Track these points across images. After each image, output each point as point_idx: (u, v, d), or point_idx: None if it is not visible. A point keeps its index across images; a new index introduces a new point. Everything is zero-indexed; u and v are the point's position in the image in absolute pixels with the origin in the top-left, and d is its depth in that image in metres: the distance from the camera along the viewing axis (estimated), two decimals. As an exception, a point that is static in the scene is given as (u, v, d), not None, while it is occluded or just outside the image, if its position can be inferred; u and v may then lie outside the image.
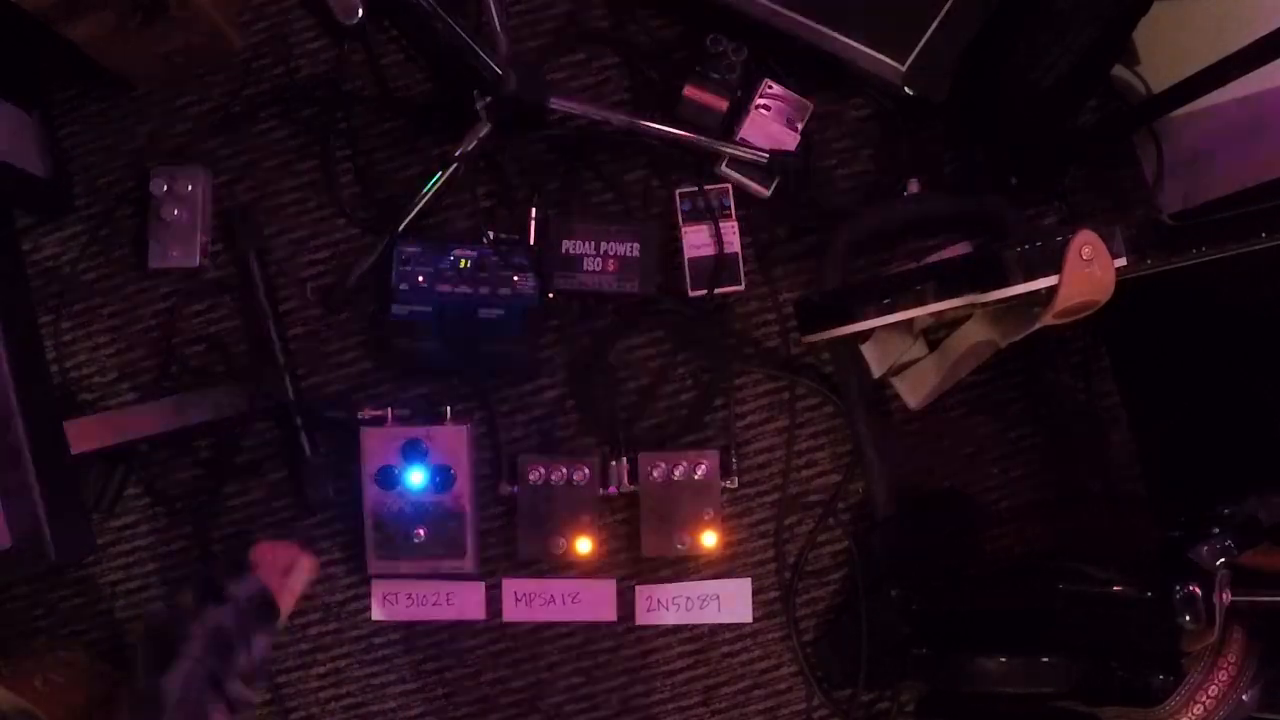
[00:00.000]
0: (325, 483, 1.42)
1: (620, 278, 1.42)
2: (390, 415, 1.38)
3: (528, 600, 1.44)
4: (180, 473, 1.45)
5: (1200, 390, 1.32)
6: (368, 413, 1.38)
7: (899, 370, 1.38)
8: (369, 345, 1.46)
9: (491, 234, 1.43)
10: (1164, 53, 1.38)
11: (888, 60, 1.38)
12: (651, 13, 1.49)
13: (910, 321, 1.19)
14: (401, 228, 1.43)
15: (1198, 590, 0.99)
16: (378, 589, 1.43)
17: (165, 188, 1.43)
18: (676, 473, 1.40)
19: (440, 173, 1.43)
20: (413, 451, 1.35)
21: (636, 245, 1.42)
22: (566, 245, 1.42)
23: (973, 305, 1.13)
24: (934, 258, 1.42)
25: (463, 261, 1.41)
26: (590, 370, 1.46)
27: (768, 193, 1.45)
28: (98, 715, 1.27)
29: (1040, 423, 1.47)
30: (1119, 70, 1.41)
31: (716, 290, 1.43)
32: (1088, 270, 1.06)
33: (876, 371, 1.38)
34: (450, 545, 1.37)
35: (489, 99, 1.38)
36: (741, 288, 1.45)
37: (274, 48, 1.48)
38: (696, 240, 1.44)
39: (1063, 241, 1.06)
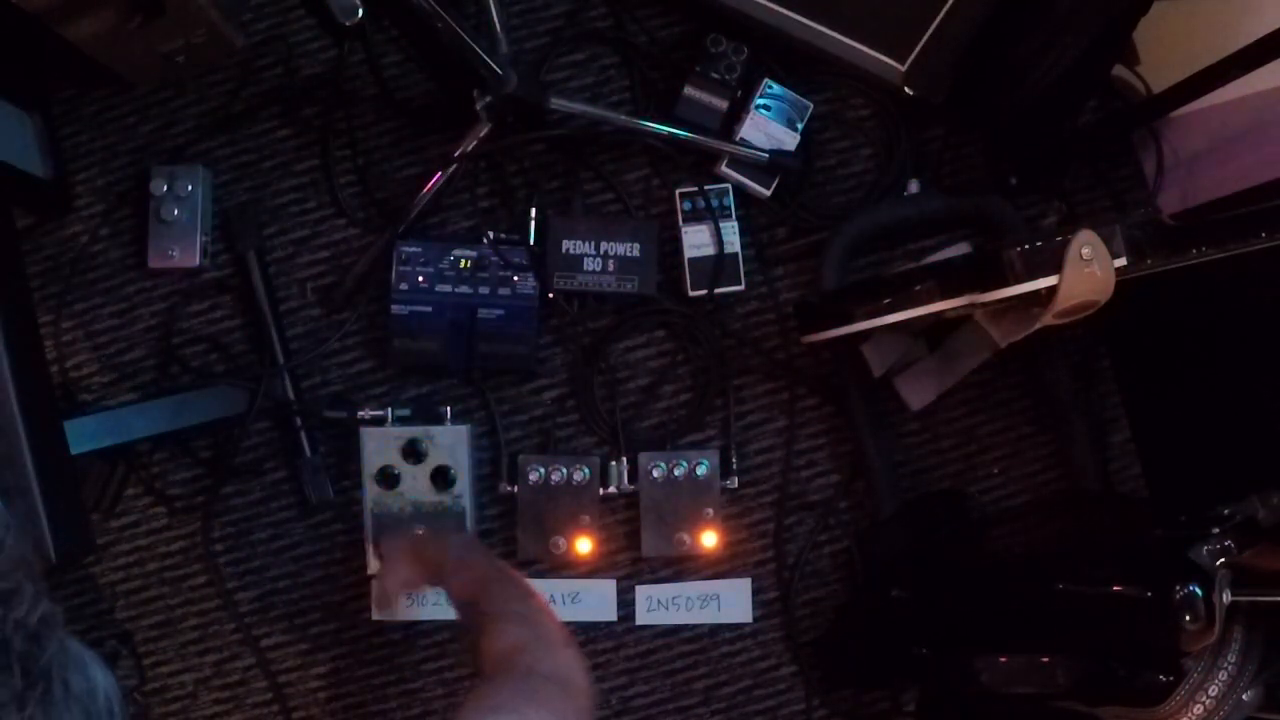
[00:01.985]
0: (325, 483, 1.43)
1: (620, 278, 1.42)
2: (390, 415, 1.38)
3: (528, 600, 1.44)
4: (180, 473, 1.45)
5: (1200, 390, 1.32)
6: (368, 413, 1.39)
7: (899, 370, 1.39)
8: (369, 345, 1.46)
9: (491, 234, 1.42)
10: (1164, 53, 1.38)
11: (888, 60, 1.38)
12: (651, 13, 1.49)
13: (910, 321, 1.19)
14: (402, 228, 1.43)
15: (1198, 590, 0.99)
16: (378, 589, 1.43)
17: (165, 188, 1.42)
18: (676, 473, 1.40)
19: (440, 173, 1.43)
20: (413, 451, 1.35)
21: (636, 245, 1.42)
22: (566, 245, 1.42)
23: (973, 305, 1.13)
24: (934, 258, 1.42)
25: (463, 261, 1.41)
26: (590, 370, 1.46)
27: (768, 193, 1.45)
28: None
29: (1040, 423, 1.47)
30: (1119, 70, 1.40)
31: (716, 290, 1.43)
32: (1088, 270, 1.06)
33: (876, 371, 1.38)
34: (450, 545, 1.37)
35: (489, 99, 1.38)
36: (741, 288, 1.44)
37: (274, 48, 1.48)
38: (696, 240, 1.43)
39: (1063, 241, 1.06)
